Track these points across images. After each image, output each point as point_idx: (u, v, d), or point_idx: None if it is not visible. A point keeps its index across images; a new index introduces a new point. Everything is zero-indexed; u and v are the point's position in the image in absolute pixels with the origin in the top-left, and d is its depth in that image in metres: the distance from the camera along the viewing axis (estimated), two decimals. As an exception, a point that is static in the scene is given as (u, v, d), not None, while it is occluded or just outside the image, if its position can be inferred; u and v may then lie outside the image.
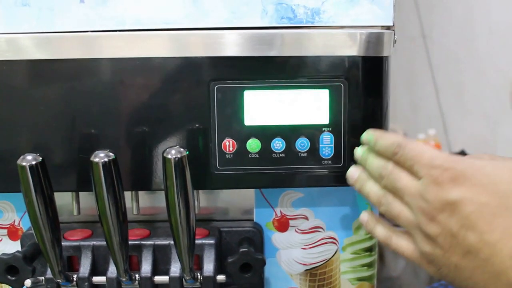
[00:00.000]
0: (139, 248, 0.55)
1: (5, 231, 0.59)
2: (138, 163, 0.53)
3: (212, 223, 0.59)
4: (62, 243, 0.51)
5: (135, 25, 0.51)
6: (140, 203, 0.56)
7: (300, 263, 0.60)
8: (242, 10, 0.51)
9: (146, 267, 0.54)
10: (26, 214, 0.49)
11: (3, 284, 0.53)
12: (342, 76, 0.52)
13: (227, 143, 0.53)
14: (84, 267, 0.54)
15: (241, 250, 0.54)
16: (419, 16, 2.31)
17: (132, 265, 0.55)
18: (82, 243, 0.55)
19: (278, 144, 0.53)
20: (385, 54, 0.52)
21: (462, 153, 1.96)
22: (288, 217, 0.59)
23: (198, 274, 0.53)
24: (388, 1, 0.52)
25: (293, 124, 0.53)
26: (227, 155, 0.53)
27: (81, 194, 0.56)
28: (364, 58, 0.52)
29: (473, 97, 2.03)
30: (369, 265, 0.62)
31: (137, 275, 0.54)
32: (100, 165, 0.47)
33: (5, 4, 0.50)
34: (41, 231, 0.49)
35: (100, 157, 0.47)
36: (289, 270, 0.61)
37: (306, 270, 0.61)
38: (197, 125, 0.52)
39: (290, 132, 0.53)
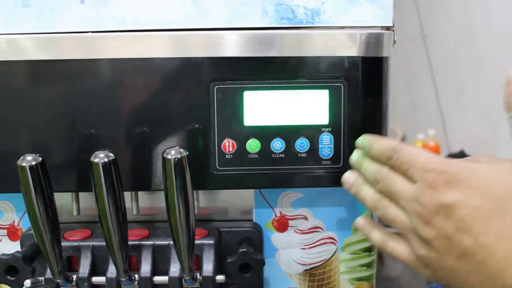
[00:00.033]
0: (138, 248, 0.55)
1: (4, 232, 0.59)
2: (138, 164, 0.53)
3: (211, 223, 0.59)
4: (62, 244, 0.52)
5: (135, 26, 0.51)
6: (140, 203, 0.56)
7: (300, 263, 0.60)
8: (242, 10, 0.51)
9: (145, 267, 0.54)
10: (26, 214, 0.49)
11: (3, 284, 0.53)
12: (342, 77, 0.52)
13: (227, 144, 0.53)
14: (84, 267, 0.54)
15: (241, 250, 0.54)
16: (419, 16, 2.31)
17: (132, 265, 0.55)
18: (81, 243, 0.55)
19: (277, 145, 0.53)
20: (384, 54, 0.52)
21: (462, 153, 1.96)
22: (287, 217, 0.59)
23: (198, 274, 0.53)
24: (388, 1, 0.52)
25: (293, 124, 0.53)
26: (226, 155, 0.53)
27: (81, 194, 0.56)
28: (364, 59, 0.52)
29: (473, 97, 2.02)
30: (368, 265, 0.62)
31: (136, 275, 0.54)
32: (100, 165, 0.47)
33: (5, 5, 0.50)
34: (41, 231, 0.49)
35: (100, 157, 0.47)
36: (288, 270, 0.61)
37: (306, 270, 0.61)
38: (197, 126, 0.52)
39: (289, 133, 0.53)
